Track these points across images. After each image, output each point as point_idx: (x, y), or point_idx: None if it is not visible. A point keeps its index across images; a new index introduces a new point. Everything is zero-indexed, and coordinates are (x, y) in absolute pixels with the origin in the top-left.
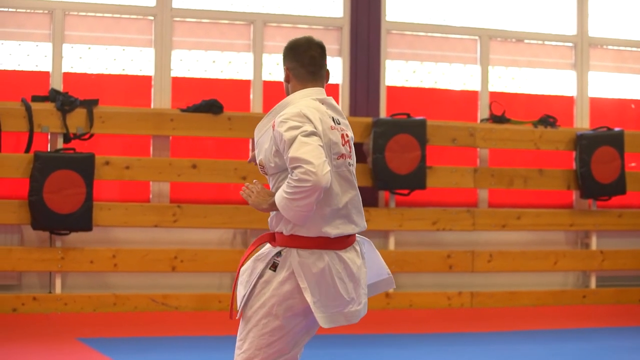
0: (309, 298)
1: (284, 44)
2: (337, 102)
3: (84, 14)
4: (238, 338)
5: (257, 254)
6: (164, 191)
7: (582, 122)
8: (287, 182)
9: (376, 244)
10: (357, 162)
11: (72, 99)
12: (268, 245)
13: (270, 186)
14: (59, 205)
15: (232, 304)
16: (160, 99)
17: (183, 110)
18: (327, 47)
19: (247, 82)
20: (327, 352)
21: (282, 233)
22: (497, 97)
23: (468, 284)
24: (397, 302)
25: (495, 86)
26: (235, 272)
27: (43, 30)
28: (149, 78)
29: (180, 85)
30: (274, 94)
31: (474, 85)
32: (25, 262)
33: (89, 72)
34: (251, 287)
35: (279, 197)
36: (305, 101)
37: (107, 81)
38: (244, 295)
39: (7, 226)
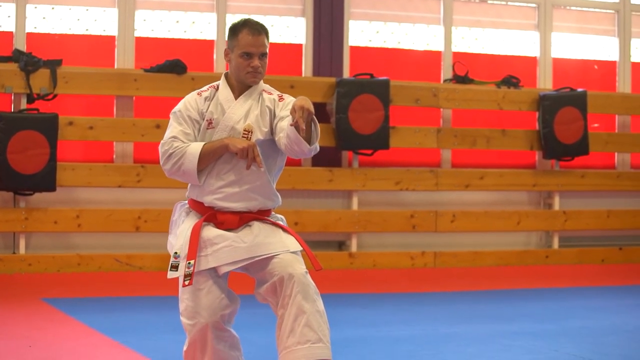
0: None
1: (247, 4)
2: (301, 63)
3: None
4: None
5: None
6: (127, 151)
7: (545, 83)
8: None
9: (339, 203)
10: (321, 122)
11: (35, 59)
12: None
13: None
14: (23, 166)
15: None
16: (124, 59)
17: (147, 71)
18: (291, 7)
19: (211, 42)
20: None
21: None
22: (460, 58)
23: (431, 243)
24: (360, 262)
25: (458, 47)
26: None
27: None
28: (112, 38)
29: (144, 45)
30: None
31: (437, 45)
32: None
33: (53, 32)
34: None
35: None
36: None
37: (71, 41)
38: None
39: None
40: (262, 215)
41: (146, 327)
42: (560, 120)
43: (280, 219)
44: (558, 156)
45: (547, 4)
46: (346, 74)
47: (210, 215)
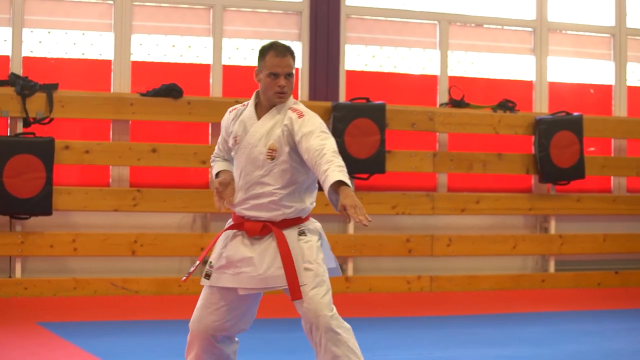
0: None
1: (244, 28)
2: (297, 87)
3: None
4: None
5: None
6: (123, 175)
7: (541, 107)
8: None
9: (335, 228)
10: None
11: (31, 83)
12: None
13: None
14: (19, 190)
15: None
16: (120, 83)
17: (143, 95)
18: (287, 31)
19: (207, 66)
20: (286, 336)
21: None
22: (456, 82)
23: (427, 268)
24: (356, 286)
25: (454, 71)
26: (192, 255)
27: (3, 15)
28: (108, 62)
29: (140, 69)
30: (233, 78)
31: (433, 69)
32: None
33: (49, 56)
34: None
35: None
36: None
37: (67, 65)
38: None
39: None
40: (286, 224)
41: (142, 352)
42: (556, 144)
43: (315, 229)
44: (554, 180)
45: (543, 28)
46: (342, 98)
47: (238, 224)
